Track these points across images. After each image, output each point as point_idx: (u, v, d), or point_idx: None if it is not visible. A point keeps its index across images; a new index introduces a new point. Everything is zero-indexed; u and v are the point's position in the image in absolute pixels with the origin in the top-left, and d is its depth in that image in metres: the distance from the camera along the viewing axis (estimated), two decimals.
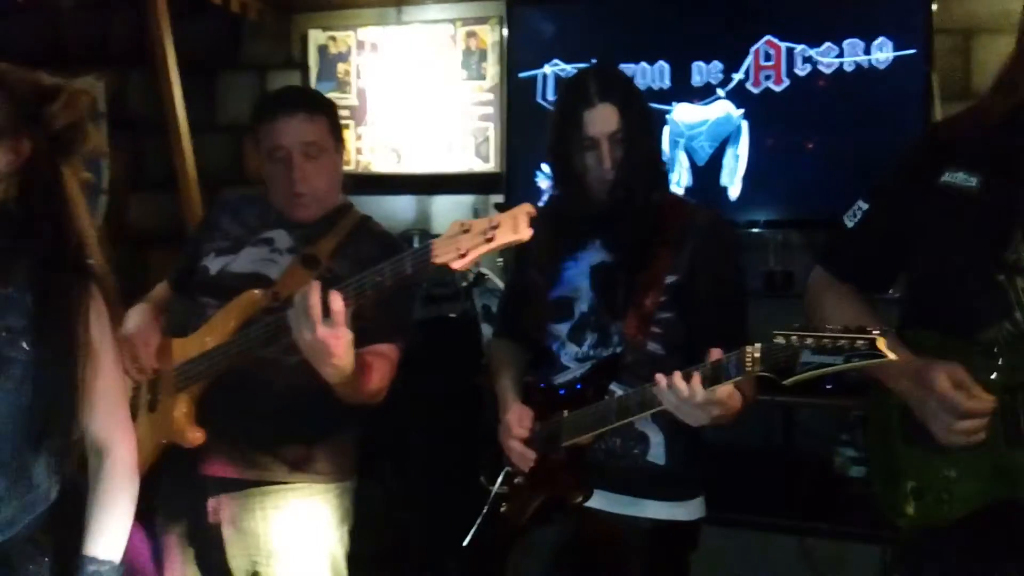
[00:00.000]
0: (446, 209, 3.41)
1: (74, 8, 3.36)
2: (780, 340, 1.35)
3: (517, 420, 1.84)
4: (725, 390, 1.49)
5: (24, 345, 1.38)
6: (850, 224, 1.56)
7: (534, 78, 3.15)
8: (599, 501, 1.75)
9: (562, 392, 1.83)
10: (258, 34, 3.57)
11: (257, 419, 1.82)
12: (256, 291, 1.80)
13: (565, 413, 1.78)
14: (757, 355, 1.39)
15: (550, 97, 3.12)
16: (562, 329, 1.84)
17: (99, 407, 1.49)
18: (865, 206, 1.55)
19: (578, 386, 1.80)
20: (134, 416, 1.85)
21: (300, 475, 1.87)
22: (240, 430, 1.82)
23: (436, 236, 3.19)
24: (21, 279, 1.41)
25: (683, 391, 1.47)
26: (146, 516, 1.90)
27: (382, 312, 1.82)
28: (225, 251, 1.92)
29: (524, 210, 1.49)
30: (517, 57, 3.18)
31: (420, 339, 1.66)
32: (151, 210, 3.70)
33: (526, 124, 3.14)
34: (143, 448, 1.81)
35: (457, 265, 1.51)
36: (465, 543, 2.02)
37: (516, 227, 1.47)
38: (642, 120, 1.78)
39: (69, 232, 1.45)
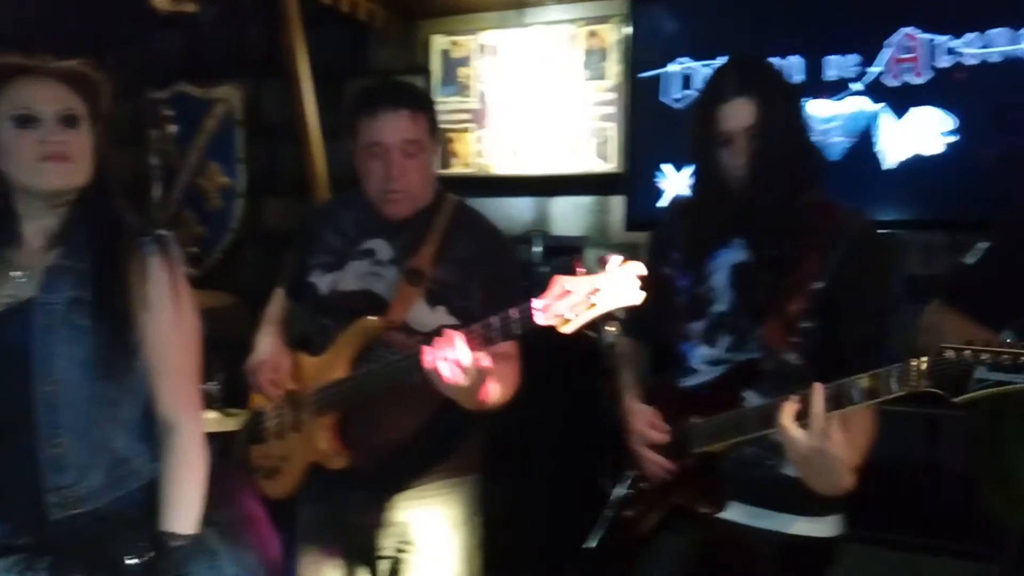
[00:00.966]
0: (566, 210, 3.40)
1: (212, 21, 3.52)
2: (950, 354, 1.25)
3: (649, 425, 1.80)
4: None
5: (88, 314, 1.42)
6: (971, 261, 1.49)
7: (657, 77, 3.10)
8: (731, 512, 1.70)
9: (692, 396, 1.78)
10: (383, 41, 3.66)
11: (391, 431, 1.86)
12: (373, 319, 1.81)
13: (695, 419, 1.74)
14: (924, 367, 1.29)
15: (674, 96, 3.06)
16: (695, 329, 1.78)
17: (163, 380, 1.50)
18: (986, 244, 1.48)
19: (710, 391, 1.75)
20: (282, 435, 1.95)
21: (433, 475, 1.90)
22: (375, 442, 1.86)
23: (555, 237, 3.20)
24: (87, 252, 1.46)
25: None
26: (289, 523, 1.99)
27: (504, 308, 1.83)
28: (330, 267, 1.93)
29: (630, 271, 1.45)
30: (640, 56, 3.14)
31: (539, 339, 1.65)
32: (284, 213, 3.85)
33: (649, 124, 3.10)
34: (293, 467, 1.91)
35: (564, 330, 1.49)
36: (587, 546, 2.01)
37: (623, 292, 1.45)
38: (786, 115, 1.69)
39: (129, 208, 1.51)
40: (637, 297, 1.45)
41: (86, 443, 1.43)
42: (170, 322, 1.48)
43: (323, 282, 1.93)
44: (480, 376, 1.58)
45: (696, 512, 1.73)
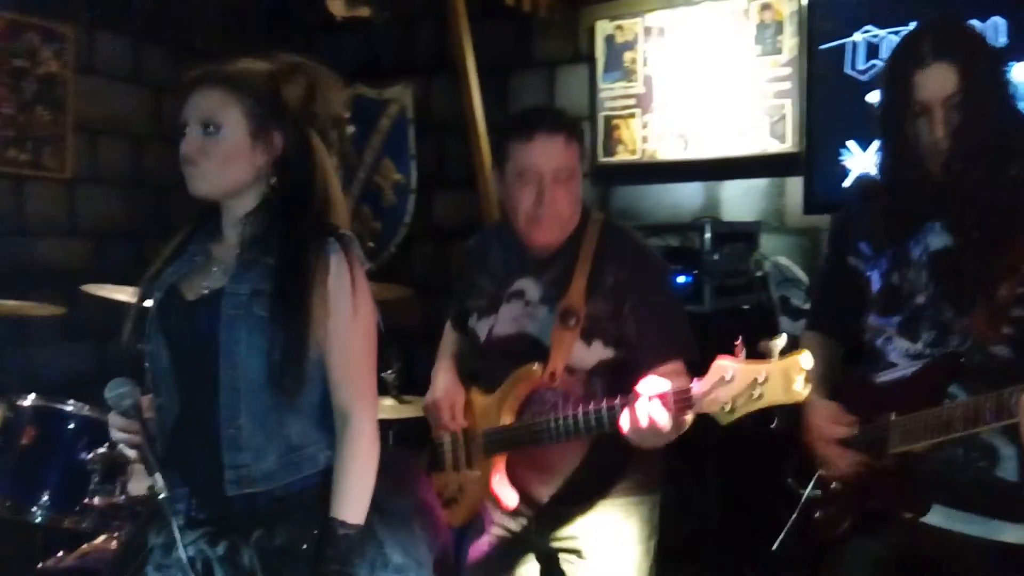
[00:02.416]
0: (737, 195, 3.25)
1: (385, 24, 3.64)
2: None
3: (833, 420, 1.69)
4: None
5: (268, 305, 1.47)
6: None
7: (841, 47, 2.89)
8: (935, 516, 1.57)
9: (889, 392, 1.65)
10: (547, 31, 3.65)
11: (562, 462, 1.85)
12: (534, 368, 1.82)
13: (893, 416, 1.61)
14: None
15: (859, 67, 2.85)
16: (891, 323, 1.65)
17: (338, 372, 1.51)
18: None
19: (909, 386, 1.62)
20: (457, 468, 1.99)
21: (613, 492, 1.88)
22: (548, 476, 1.86)
23: (727, 223, 3.07)
24: (273, 247, 1.51)
25: None
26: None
27: (661, 329, 1.77)
28: (485, 310, 1.95)
29: (797, 366, 1.36)
30: (820, 26, 2.94)
31: (713, 332, 1.58)
32: (453, 207, 3.93)
33: (831, 98, 2.90)
34: (468, 500, 1.96)
35: (723, 422, 1.44)
36: (774, 548, 1.92)
37: (787, 386, 1.36)
38: (991, 82, 1.54)
39: (315, 201, 1.52)
40: (801, 394, 1.37)
41: (262, 427, 1.49)
42: (348, 317, 1.51)
43: (481, 327, 1.96)
44: (676, 432, 1.56)
45: (894, 516, 1.61)
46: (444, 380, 2.02)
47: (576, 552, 1.89)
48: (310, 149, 1.53)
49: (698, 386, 1.46)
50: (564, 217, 1.84)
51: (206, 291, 1.54)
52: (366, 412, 1.53)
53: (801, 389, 1.36)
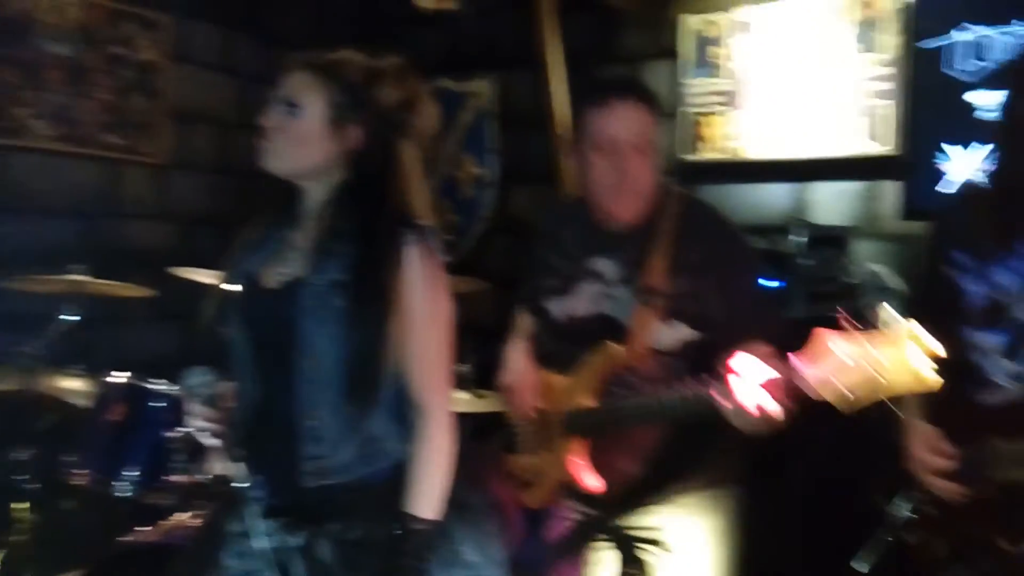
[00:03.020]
0: (828, 197, 3.13)
1: (470, 16, 3.64)
2: None
3: (930, 448, 1.62)
4: None
5: (345, 296, 1.46)
6: None
7: (944, 47, 2.76)
8: None
9: (994, 414, 1.57)
10: (633, 25, 3.59)
11: (642, 447, 1.80)
12: (616, 348, 1.76)
13: (997, 441, 1.53)
14: None
15: (963, 67, 2.72)
16: (991, 340, 1.57)
17: (414, 366, 1.50)
18: None
19: (1016, 410, 1.53)
20: (534, 451, 1.96)
21: (691, 485, 1.84)
22: (628, 464, 1.82)
23: (820, 226, 2.97)
24: (351, 237, 1.50)
25: None
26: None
27: (749, 306, 1.71)
28: (560, 291, 1.90)
29: (924, 352, 1.30)
30: (923, 24, 2.81)
31: (802, 342, 1.51)
32: (533, 202, 3.90)
33: (932, 100, 2.77)
34: (546, 482, 1.92)
35: (843, 408, 1.36)
36: (858, 569, 1.85)
37: (914, 375, 1.30)
38: None
39: (396, 199, 1.52)
40: (932, 381, 1.30)
41: (339, 418, 1.48)
42: (425, 310, 1.50)
43: (556, 307, 1.91)
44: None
45: (992, 544, 1.53)
46: (517, 363, 2.00)
47: (657, 543, 1.83)
48: (393, 151, 1.53)
49: (814, 371, 1.39)
50: (642, 189, 1.78)
51: (285, 279, 1.55)
52: (442, 407, 1.53)
53: (929, 376, 1.30)
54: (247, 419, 1.56)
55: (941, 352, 1.30)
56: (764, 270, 2.41)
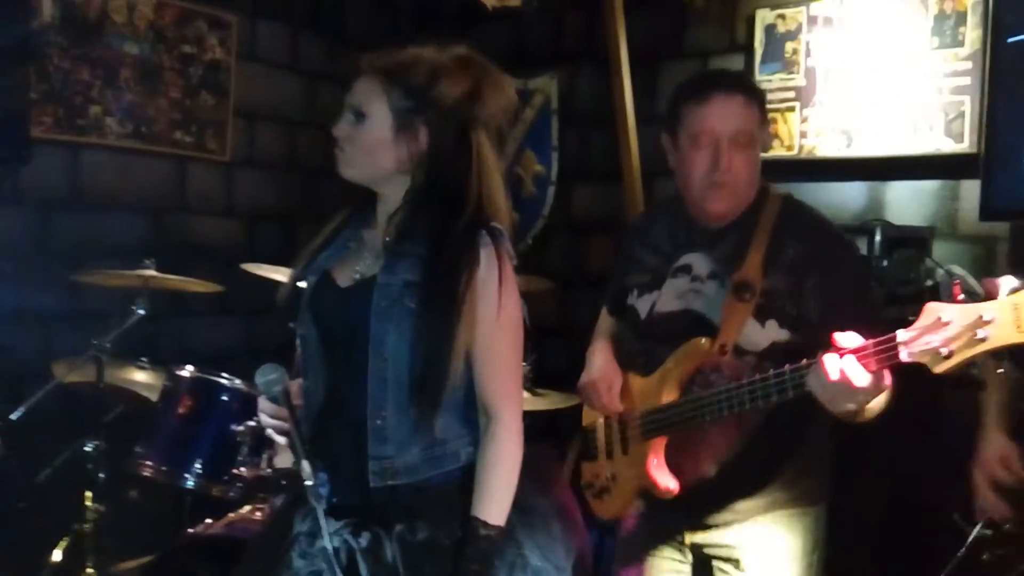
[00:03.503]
0: (904, 197, 3.02)
1: (534, 12, 3.61)
2: None
3: (1002, 462, 1.54)
4: None
5: (418, 297, 1.45)
6: None
7: None
8: None
9: None
10: (702, 21, 3.51)
11: (720, 461, 1.75)
12: (703, 341, 1.70)
13: None
14: None
15: None
16: None
17: (483, 369, 1.48)
18: None
19: None
20: (610, 455, 1.91)
21: (774, 503, 1.76)
22: (704, 473, 1.76)
23: (899, 227, 2.86)
24: (424, 238, 1.48)
25: None
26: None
27: (847, 307, 1.63)
28: (647, 287, 1.85)
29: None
30: (1007, 18, 2.68)
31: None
32: (593, 200, 3.87)
33: (1017, 97, 2.65)
34: (622, 488, 1.87)
35: (938, 369, 1.26)
36: None
37: (1021, 325, 1.19)
38: None
39: (469, 197, 1.49)
40: None
41: (406, 419, 1.47)
42: (495, 312, 1.48)
43: (642, 304, 1.85)
44: (874, 394, 1.41)
45: None
46: (601, 360, 1.94)
47: (734, 562, 1.78)
48: (465, 147, 1.50)
49: (905, 332, 1.30)
50: (741, 185, 1.72)
51: (358, 277, 1.55)
52: (511, 410, 1.50)
53: None
54: (314, 417, 1.55)
55: None
56: (866, 271, 2.31)
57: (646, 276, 1.86)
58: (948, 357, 1.25)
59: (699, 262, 1.78)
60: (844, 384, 1.37)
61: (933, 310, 1.28)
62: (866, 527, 2.46)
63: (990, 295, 1.25)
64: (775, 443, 1.71)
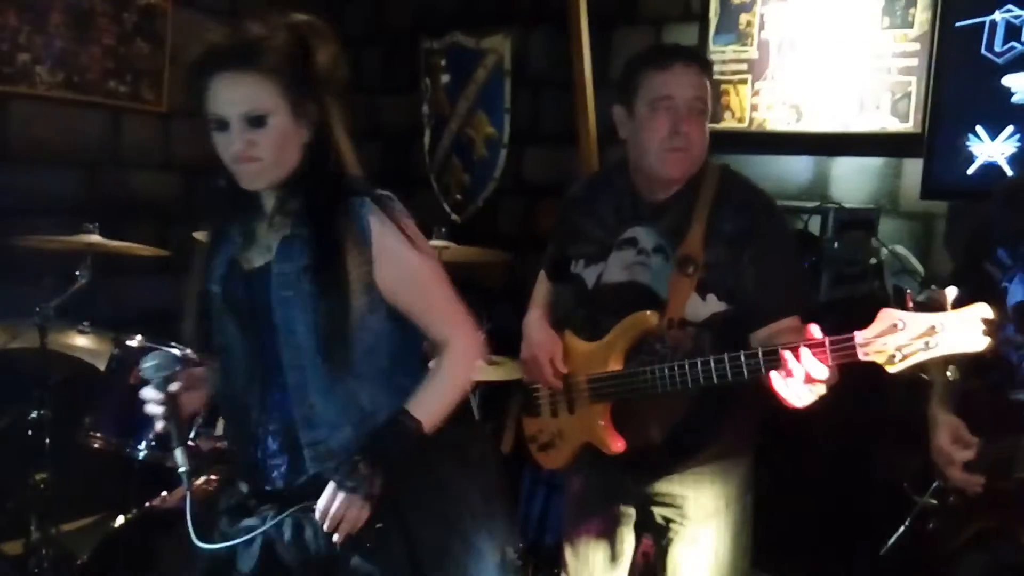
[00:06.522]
0: (849, 173, 3.11)
1: None
2: None
3: (953, 439, 1.64)
4: None
5: (314, 279, 1.45)
6: None
7: (978, 26, 2.72)
8: None
9: (1022, 412, 1.59)
10: None
11: (664, 414, 1.83)
12: (650, 314, 1.77)
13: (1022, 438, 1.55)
14: None
15: (997, 48, 2.68)
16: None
17: (421, 316, 1.52)
18: None
19: None
20: (555, 414, 1.97)
21: (707, 453, 1.87)
22: (650, 430, 1.84)
23: (849, 210, 2.95)
24: (306, 218, 1.48)
25: None
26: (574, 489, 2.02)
27: (781, 281, 1.72)
28: (593, 258, 1.90)
29: (976, 315, 1.30)
30: (956, 2, 2.76)
31: (827, 323, 1.52)
32: (545, 163, 3.85)
33: (962, 80, 2.74)
34: (567, 444, 1.95)
35: (892, 370, 1.37)
36: (882, 552, 1.89)
37: (965, 337, 1.31)
38: None
39: (329, 161, 1.49)
40: (982, 344, 1.31)
41: (332, 400, 1.48)
42: (412, 268, 1.50)
43: (588, 274, 1.90)
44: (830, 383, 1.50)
45: (1012, 537, 1.56)
46: (539, 333, 2.00)
47: (677, 509, 1.89)
48: (327, 109, 1.49)
49: (863, 333, 1.40)
50: (696, 151, 1.80)
51: (257, 266, 1.53)
52: (460, 331, 1.54)
53: (980, 339, 1.31)
54: (235, 402, 1.56)
55: (989, 315, 1.32)
56: (797, 247, 2.41)
57: (591, 247, 1.91)
58: (901, 360, 1.36)
59: (644, 235, 1.84)
60: (806, 379, 1.46)
61: (889, 316, 1.38)
62: (815, 484, 2.59)
63: (940, 306, 1.34)
64: (719, 407, 1.79)
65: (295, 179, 1.49)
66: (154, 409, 1.54)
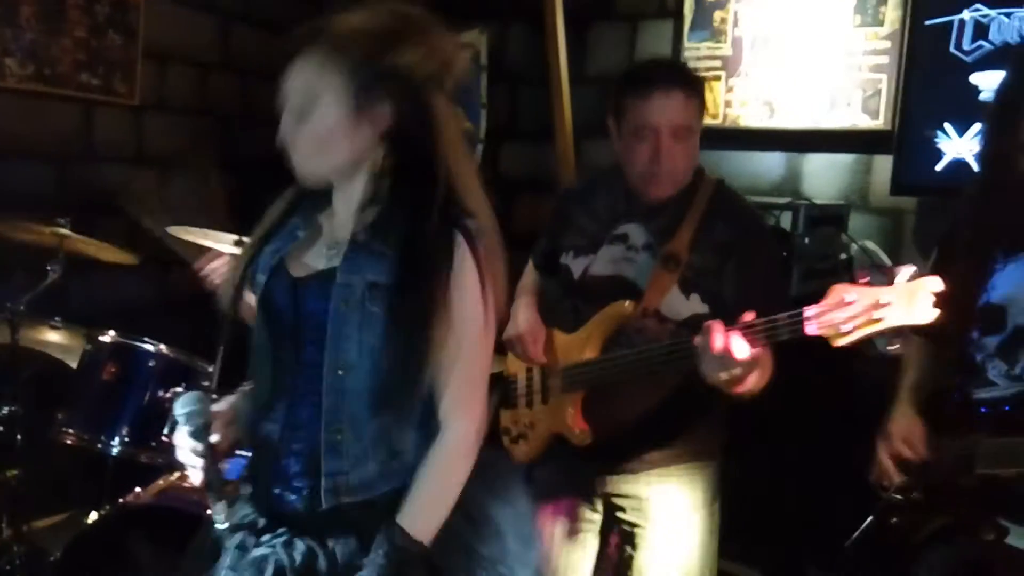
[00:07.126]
0: (820, 168, 3.15)
1: None
2: None
3: (906, 438, 1.68)
4: None
5: (385, 302, 1.29)
6: None
7: (947, 25, 2.75)
8: (1016, 537, 1.55)
9: (983, 411, 1.62)
10: None
11: (632, 409, 1.85)
12: (626, 304, 1.80)
13: (984, 437, 1.58)
14: None
15: (966, 47, 2.72)
16: (990, 343, 1.61)
17: (448, 376, 1.32)
18: None
19: (1007, 408, 1.58)
20: (530, 404, 1.99)
21: (675, 456, 1.88)
22: (618, 425, 1.86)
23: (820, 206, 2.99)
24: (393, 236, 1.32)
25: None
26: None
27: (760, 292, 1.74)
28: (583, 250, 1.93)
29: (924, 288, 1.31)
30: (928, 1, 2.80)
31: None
32: (521, 159, 3.85)
33: (932, 77, 2.78)
34: (538, 435, 1.97)
35: (837, 343, 1.39)
36: (846, 545, 1.92)
37: (913, 309, 1.32)
38: None
39: (438, 181, 1.31)
40: (929, 316, 1.32)
41: (365, 433, 1.32)
42: (469, 320, 1.32)
43: (576, 265, 1.93)
44: (748, 369, 1.51)
45: (973, 533, 1.60)
46: (525, 315, 2.02)
47: (641, 513, 1.90)
48: (430, 119, 1.31)
49: (811, 308, 1.42)
50: (679, 174, 1.83)
51: (314, 271, 1.37)
52: (468, 421, 1.35)
53: (928, 311, 1.32)
54: (258, 420, 1.40)
55: (939, 287, 1.33)
56: (779, 259, 2.44)
57: (583, 240, 1.94)
58: (847, 333, 1.38)
59: (635, 232, 1.87)
60: (723, 352, 1.48)
61: (838, 291, 1.40)
62: (778, 490, 2.63)
63: (890, 281, 1.36)
64: (687, 401, 1.81)
65: (381, 188, 1.35)
66: (191, 460, 1.38)
